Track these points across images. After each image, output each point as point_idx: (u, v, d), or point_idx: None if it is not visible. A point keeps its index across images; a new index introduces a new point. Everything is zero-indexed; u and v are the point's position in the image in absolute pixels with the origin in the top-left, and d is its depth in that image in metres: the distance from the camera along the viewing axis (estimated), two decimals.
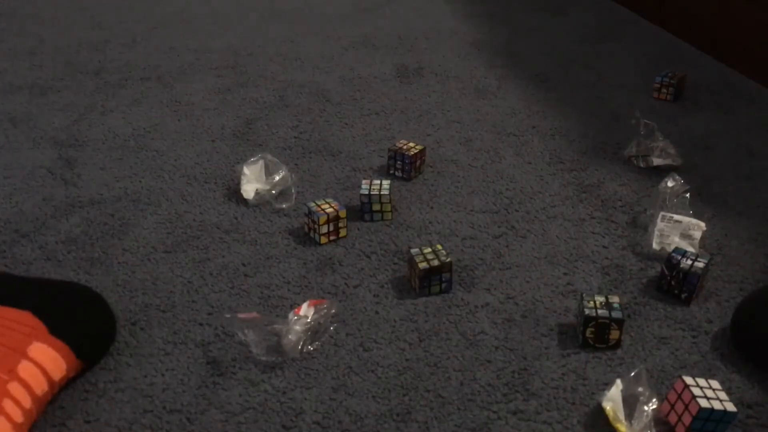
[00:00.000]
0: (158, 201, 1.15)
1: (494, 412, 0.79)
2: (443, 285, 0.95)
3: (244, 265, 1.01)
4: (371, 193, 1.08)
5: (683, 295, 0.94)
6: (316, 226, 1.03)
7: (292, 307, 0.91)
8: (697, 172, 1.22)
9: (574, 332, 0.90)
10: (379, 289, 0.97)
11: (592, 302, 0.87)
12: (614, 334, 0.86)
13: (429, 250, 0.96)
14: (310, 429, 0.77)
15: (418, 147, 1.21)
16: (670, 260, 0.94)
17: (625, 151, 1.26)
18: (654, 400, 0.77)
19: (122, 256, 1.03)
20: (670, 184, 1.07)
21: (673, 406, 0.76)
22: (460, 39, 1.79)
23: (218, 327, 0.90)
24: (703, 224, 1.03)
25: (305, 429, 0.77)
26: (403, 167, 1.20)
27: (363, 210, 1.09)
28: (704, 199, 1.15)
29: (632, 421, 0.76)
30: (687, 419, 0.73)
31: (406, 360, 0.86)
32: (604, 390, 0.80)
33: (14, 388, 0.72)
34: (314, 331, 0.87)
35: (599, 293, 0.96)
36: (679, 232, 1.02)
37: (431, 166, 1.24)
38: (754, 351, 0.84)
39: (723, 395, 0.75)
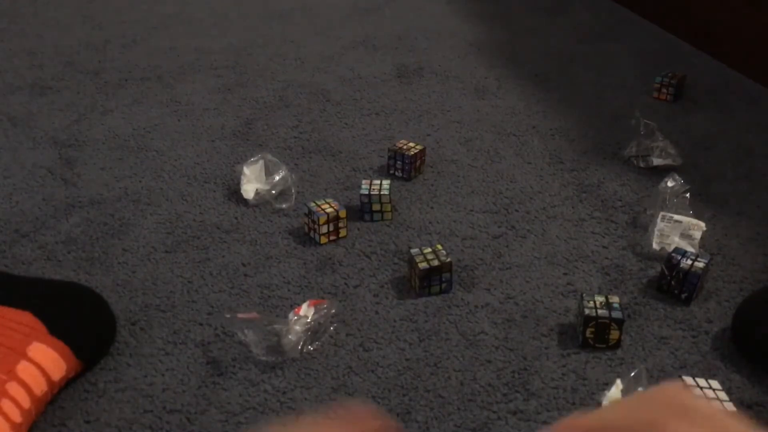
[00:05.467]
0: (158, 201, 1.15)
1: (494, 412, 0.79)
2: (443, 285, 0.95)
3: (244, 265, 1.01)
4: (371, 193, 1.08)
5: (683, 295, 0.94)
6: (316, 226, 1.03)
7: (292, 307, 0.91)
8: (697, 172, 1.22)
9: (574, 332, 0.90)
10: (379, 289, 0.97)
11: (592, 302, 0.87)
12: (614, 334, 0.86)
13: (429, 250, 0.96)
14: None
15: (418, 147, 1.21)
16: (670, 260, 0.94)
17: (625, 151, 1.26)
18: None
19: (122, 256, 1.03)
20: (670, 184, 1.07)
21: None
22: (460, 39, 1.79)
23: (218, 327, 0.90)
24: (703, 224, 1.03)
25: None
26: (403, 167, 1.20)
27: (363, 210, 1.09)
28: (704, 199, 1.15)
29: None
30: None
31: (406, 360, 0.86)
32: (604, 390, 0.80)
33: (13, 388, 0.72)
34: (314, 331, 0.87)
35: (599, 293, 0.96)
36: (679, 232, 1.01)
37: (431, 166, 1.24)
38: (754, 351, 0.84)
39: (723, 395, 0.75)
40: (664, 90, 1.46)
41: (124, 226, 1.09)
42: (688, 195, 1.07)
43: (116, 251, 1.04)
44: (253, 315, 0.87)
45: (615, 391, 0.78)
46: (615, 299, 0.88)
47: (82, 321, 0.83)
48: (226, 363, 0.85)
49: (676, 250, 0.95)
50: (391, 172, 1.22)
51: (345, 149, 1.30)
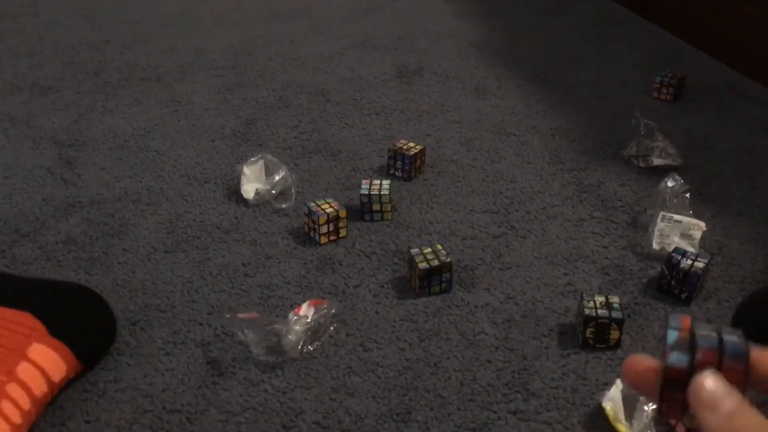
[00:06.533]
0: (158, 201, 1.15)
1: (494, 412, 0.79)
2: (443, 285, 0.95)
3: (244, 265, 1.01)
4: (371, 193, 1.08)
5: (683, 295, 0.94)
6: (316, 226, 1.03)
7: (292, 307, 0.91)
8: (697, 172, 1.22)
9: (574, 332, 0.90)
10: (379, 289, 0.97)
11: (592, 302, 0.87)
12: (614, 334, 0.86)
13: (429, 250, 0.96)
14: (310, 429, 0.77)
15: (418, 147, 1.21)
16: (670, 260, 0.94)
17: (625, 151, 1.26)
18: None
19: (122, 256, 1.03)
20: (670, 184, 1.07)
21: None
22: (460, 39, 1.79)
23: (218, 327, 0.90)
24: (703, 224, 1.03)
25: (305, 429, 0.77)
26: (403, 167, 1.20)
27: (363, 210, 1.09)
28: (704, 199, 1.15)
29: (632, 421, 0.76)
30: None
31: (406, 360, 0.86)
32: (604, 390, 0.80)
33: (13, 389, 0.72)
34: (314, 331, 0.87)
35: (599, 293, 0.96)
36: (679, 232, 1.02)
37: (431, 166, 1.24)
38: None
39: None
40: (664, 90, 1.46)
41: (124, 226, 1.09)
42: (688, 195, 1.07)
43: (116, 251, 1.04)
44: (253, 315, 0.87)
45: (615, 391, 0.78)
46: (615, 299, 0.88)
47: (82, 321, 0.83)
48: (226, 363, 0.85)
49: (676, 250, 0.95)
50: (391, 172, 1.22)
51: (345, 149, 1.30)
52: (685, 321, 0.35)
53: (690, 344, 0.34)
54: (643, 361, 0.36)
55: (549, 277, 0.99)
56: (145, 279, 0.99)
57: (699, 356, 0.33)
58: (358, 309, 0.93)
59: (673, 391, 0.34)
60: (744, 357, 0.34)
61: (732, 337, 0.35)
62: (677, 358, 0.34)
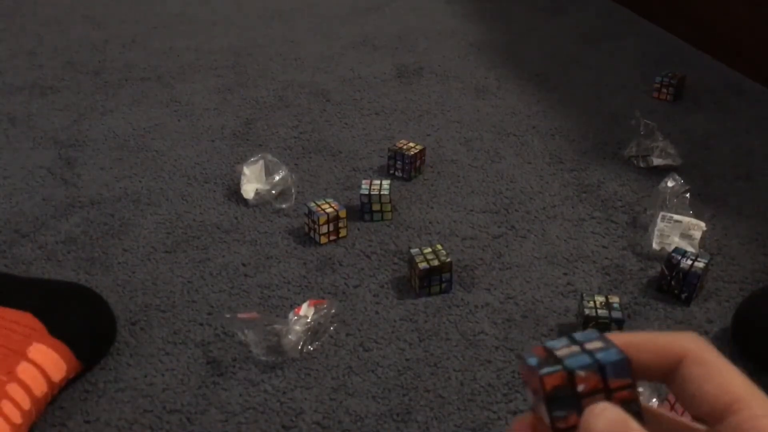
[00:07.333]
0: (158, 201, 1.15)
1: (494, 412, 0.79)
2: (443, 285, 0.95)
3: (244, 265, 1.01)
4: (371, 193, 1.08)
5: (683, 295, 0.94)
6: (316, 226, 1.03)
7: (292, 307, 0.91)
8: (697, 172, 1.22)
9: (574, 332, 0.89)
10: (379, 289, 0.97)
11: (592, 302, 0.87)
12: None
13: (429, 250, 0.96)
14: (310, 429, 0.77)
15: (418, 147, 1.21)
16: (670, 260, 0.94)
17: (625, 151, 1.26)
18: (654, 400, 0.77)
19: (122, 256, 1.03)
20: (670, 184, 1.07)
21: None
22: (460, 39, 1.79)
23: (218, 327, 0.90)
24: (703, 224, 1.03)
25: (305, 429, 0.77)
26: (403, 167, 1.20)
27: (363, 210, 1.09)
28: (704, 199, 1.15)
29: None
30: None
31: (406, 360, 0.86)
32: None
33: (13, 389, 0.72)
34: (314, 331, 0.87)
35: (599, 293, 0.96)
36: (679, 232, 1.02)
37: (431, 166, 1.24)
38: (754, 351, 0.84)
39: None
40: (664, 90, 1.46)
41: (124, 226, 1.09)
42: (688, 195, 1.07)
43: (116, 251, 1.04)
44: (253, 315, 0.87)
45: None
46: (615, 299, 0.88)
47: (82, 321, 0.83)
48: (226, 363, 0.85)
49: (676, 250, 0.95)
50: (391, 172, 1.22)
51: (345, 149, 1.30)
52: (538, 349, 0.29)
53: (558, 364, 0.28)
54: (529, 419, 0.30)
55: (549, 277, 0.99)
56: (145, 279, 0.99)
57: (580, 387, 0.27)
58: (358, 309, 0.93)
59: None
60: (625, 364, 0.27)
61: (597, 344, 0.28)
62: (549, 370, 0.27)
